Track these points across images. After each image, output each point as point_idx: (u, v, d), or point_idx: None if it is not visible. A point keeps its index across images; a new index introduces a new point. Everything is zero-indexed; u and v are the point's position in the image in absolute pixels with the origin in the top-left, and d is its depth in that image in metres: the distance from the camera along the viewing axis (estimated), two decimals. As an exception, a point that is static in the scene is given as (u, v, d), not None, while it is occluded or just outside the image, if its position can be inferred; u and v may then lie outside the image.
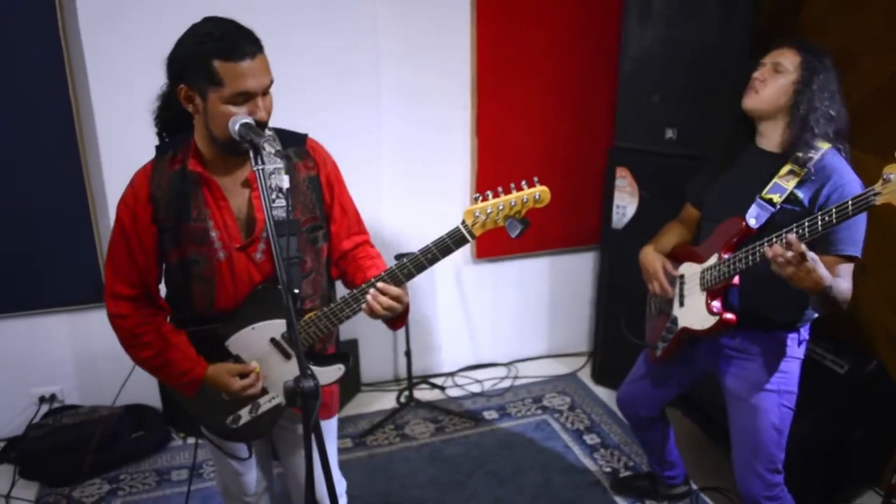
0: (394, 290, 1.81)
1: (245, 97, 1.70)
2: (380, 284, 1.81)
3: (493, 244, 3.85)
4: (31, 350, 3.45)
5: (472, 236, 1.79)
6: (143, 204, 1.83)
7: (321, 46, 3.30)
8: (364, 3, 3.37)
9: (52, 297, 3.37)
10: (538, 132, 3.78)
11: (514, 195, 1.76)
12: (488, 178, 3.76)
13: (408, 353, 3.64)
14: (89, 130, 3.23)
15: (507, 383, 3.98)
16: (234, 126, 1.65)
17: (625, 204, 3.60)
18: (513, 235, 1.77)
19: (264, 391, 1.95)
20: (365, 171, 3.50)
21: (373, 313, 1.83)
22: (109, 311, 1.90)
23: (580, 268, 4.10)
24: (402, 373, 3.86)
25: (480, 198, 1.77)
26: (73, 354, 3.51)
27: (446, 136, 3.70)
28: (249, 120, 1.66)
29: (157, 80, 3.17)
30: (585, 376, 4.04)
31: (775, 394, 2.32)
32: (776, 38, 2.35)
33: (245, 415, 1.97)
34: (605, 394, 3.84)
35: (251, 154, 1.58)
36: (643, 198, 3.54)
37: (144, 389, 3.43)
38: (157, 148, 1.90)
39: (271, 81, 1.74)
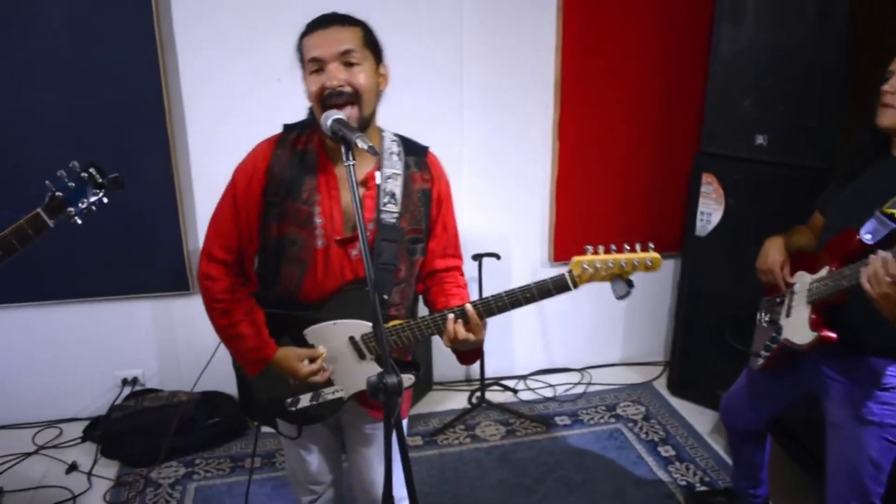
0: (475, 319, 1.80)
1: (316, 65, 1.74)
2: (468, 308, 1.80)
3: (572, 246, 3.77)
4: (117, 334, 3.57)
5: (575, 286, 1.79)
6: (260, 174, 1.86)
7: (406, 48, 3.31)
8: (450, 4, 3.38)
9: (138, 283, 3.49)
10: (621, 135, 3.71)
11: (627, 256, 1.77)
12: (568, 181, 3.71)
13: (481, 354, 3.61)
14: (179, 124, 3.33)
15: (579, 389, 3.92)
16: (327, 122, 1.65)
17: (710, 211, 3.49)
18: (617, 296, 1.77)
19: (329, 382, 1.96)
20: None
21: (448, 337, 1.82)
22: (202, 269, 1.93)
23: (659, 275, 3.92)
24: (474, 373, 3.84)
25: (591, 250, 1.77)
26: (155, 340, 3.62)
27: (527, 137, 3.66)
28: (341, 116, 1.66)
29: (245, 75, 3.29)
30: (661, 386, 3.94)
31: (876, 426, 2.14)
32: (878, 39, 2.20)
33: (305, 400, 1.99)
34: (681, 405, 3.73)
35: (343, 150, 1.58)
36: (729, 206, 3.42)
37: (222, 377, 3.51)
38: (285, 126, 1.92)
39: (348, 51, 1.74)
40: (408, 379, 1.94)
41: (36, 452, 3.41)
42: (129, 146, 3.25)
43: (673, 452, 3.36)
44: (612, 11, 3.51)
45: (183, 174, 3.38)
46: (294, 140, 1.89)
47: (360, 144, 1.54)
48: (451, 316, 1.80)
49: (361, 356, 1.94)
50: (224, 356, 3.33)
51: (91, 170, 1.63)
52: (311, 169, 1.86)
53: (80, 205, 1.62)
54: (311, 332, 1.93)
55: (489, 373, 3.78)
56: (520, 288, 1.82)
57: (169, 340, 3.61)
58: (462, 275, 2.08)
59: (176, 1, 3.17)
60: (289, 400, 1.99)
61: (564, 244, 3.80)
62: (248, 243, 1.91)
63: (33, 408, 3.60)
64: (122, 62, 3.17)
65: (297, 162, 1.86)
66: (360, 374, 1.94)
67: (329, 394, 1.98)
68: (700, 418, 3.61)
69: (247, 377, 2.05)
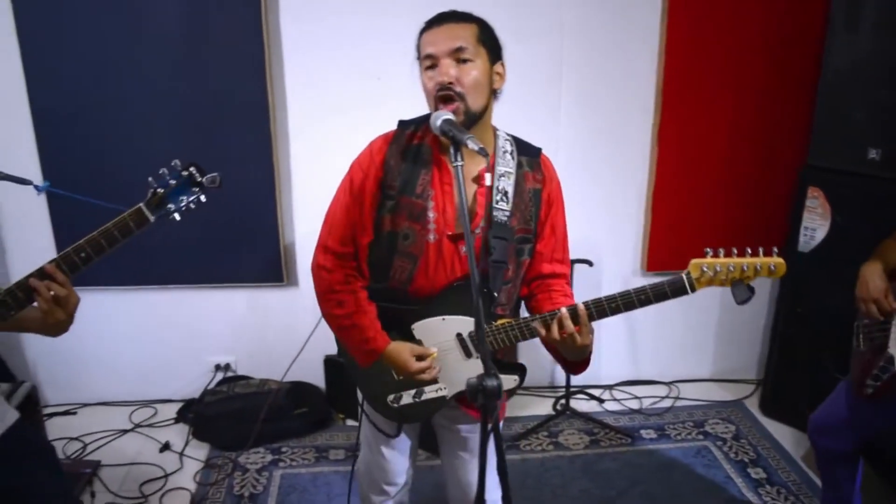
0: (585, 319, 1.74)
1: (430, 61, 1.76)
2: (580, 307, 1.74)
3: (666, 256, 3.71)
4: (213, 320, 3.70)
5: (693, 289, 1.73)
6: (377, 166, 1.88)
7: (505, 52, 3.30)
8: (550, 7, 3.36)
9: (236, 273, 3.60)
10: (724, 142, 3.60)
11: (749, 259, 1.71)
12: (666, 188, 3.62)
13: (567, 361, 3.57)
14: (281, 121, 3.41)
15: (667, 403, 3.82)
16: (436, 122, 1.66)
17: (814, 227, 3.35)
18: (738, 301, 1.72)
19: (433, 380, 1.95)
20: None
21: (551, 335, 1.77)
22: (318, 261, 1.95)
23: (757, 290, 3.84)
24: (559, 380, 3.80)
25: (711, 253, 1.73)
26: (248, 329, 3.72)
27: (624, 142, 3.60)
28: (450, 116, 1.67)
29: (346, 74, 3.35)
30: (753, 405, 3.81)
31: None
32: None
33: (407, 397, 1.99)
34: (773, 427, 3.60)
35: (451, 150, 1.58)
36: (836, 222, 3.27)
37: (310, 369, 3.62)
38: (400, 122, 1.94)
39: (460, 48, 1.74)
40: (511, 381, 1.93)
41: (132, 430, 3.56)
42: (233, 142, 3.35)
43: (764, 475, 3.23)
44: (720, 14, 3.41)
45: (283, 170, 3.47)
46: (410, 135, 1.90)
47: (471, 146, 1.53)
48: (563, 311, 1.74)
49: (468, 354, 1.93)
50: (313, 349, 3.44)
51: (191, 169, 1.69)
52: (425, 164, 1.87)
53: (179, 202, 1.68)
54: (419, 327, 1.93)
55: (575, 381, 3.73)
56: (634, 289, 1.76)
57: (261, 330, 3.71)
58: (569, 284, 2.03)
59: (284, 2, 3.25)
60: (391, 397, 2.00)
61: (659, 254, 3.72)
62: (363, 235, 1.92)
63: (131, 387, 3.77)
64: (229, 60, 3.27)
65: (412, 157, 1.88)
66: (464, 372, 1.92)
67: (432, 392, 1.97)
68: (794, 441, 3.47)
69: (352, 372, 2.07)
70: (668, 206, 3.66)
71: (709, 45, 3.45)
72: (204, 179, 1.71)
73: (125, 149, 3.32)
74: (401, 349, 1.92)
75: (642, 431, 3.56)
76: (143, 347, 3.70)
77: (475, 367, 1.92)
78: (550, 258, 1.99)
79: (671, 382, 3.99)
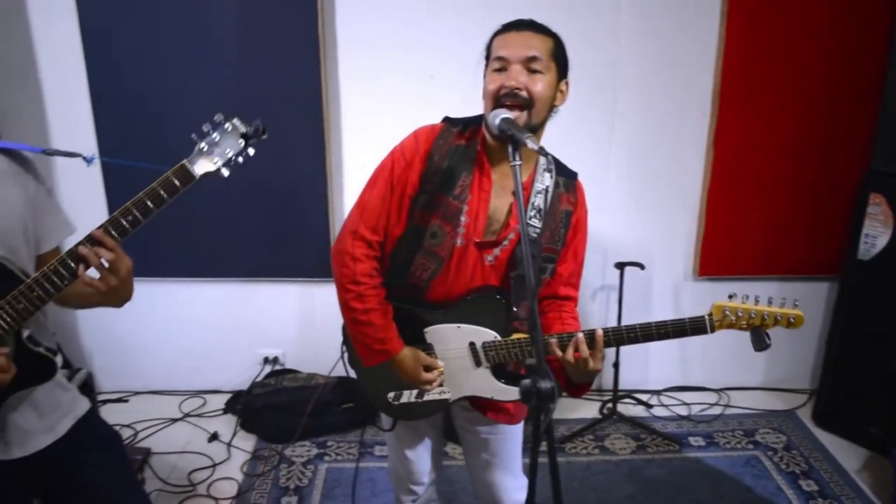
0: (601, 345, 1.76)
1: (501, 63, 1.74)
2: (599, 333, 1.76)
3: (719, 261, 3.64)
4: (263, 314, 3.74)
5: (713, 330, 1.77)
6: (421, 157, 1.84)
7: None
8: (609, 5, 3.32)
9: (286, 268, 3.63)
10: (781, 147, 3.51)
11: (770, 308, 1.75)
12: (721, 192, 3.56)
13: (616, 365, 3.53)
14: (334, 117, 3.43)
15: (716, 411, 3.75)
16: (495, 120, 1.64)
17: (875, 234, 3.25)
18: (756, 348, 1.76)
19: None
20: (591, 177, 3.43)
21: (565, 359, 1.77)
22: (345, 246, 1.87)
23: (812, 298, 3.77)
24: (606, 384, 3.76)
25: (735, 297, 1.76)
26: (297, 323, 3.76)
27: (679, 144, 3.54)
28: (510, 115, 1.65)
29: (400, 72, 3.36)
30: (805, 416, 3.71)
31: None
32: None
33: (408, 396, 1.99)
34: (827, 438, 3.50)
35: (510, 149, 1.56)
36: (899, 229, 3.19)
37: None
38: (447, 119, 1.91)
39: (534, 57, 1.72)
40: (515, 393, 1.90)
41: (182, 419, 3.63)
42: (287, 137, 3.38)
43: (816, 487, 3.15)
44: (780, 17, 3.33)
45: (334, 166, 3.49)
46: (458, 134, 1.87)
47: (530, 145, 1.51)
48: (580, 335, 1.75)
49: (477, 363, 1.92)
50: (361, 344, 3.44)
51: (234, 121, 1.63)
52: (468, 166, 1.84)
53: (225, 156, 1.65)
54: (431, 331, 1.92)
55: (622, 385, 3.68)
56: (655, 323, 1.78)
57: (310, 324, 3.74)
58: (576, 308, 2.03)
59: (340, -3, 3.29)
60: (391, 394, 1.99)
61: (712, 258, 3.65)
62: (396, 225, 1.88)
63: (182, 377, 3.84)
64: (285, 55, 3.30)
65: (456, 156, 1.84)
66: (471, 380, 1.94)
67: (434, 394, 1.97)
68: (848, 454, 3.38)
69: (354, 364, 2.06)
70: (723, 211, 3.59)
71: (768, 47, 3.37)
72: (248, 130, 1.65)
73: (179, 140, 3.36)
74: (411, 357, 1.91)
75: (690, 438, 3.50)
76: (195, 338, 3.77)
77: (482, 375, 1.93)
78: (567, 282, 1.98)
79: (721, 389, 3.91)
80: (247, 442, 3.43)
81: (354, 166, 3.50)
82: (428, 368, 1.91)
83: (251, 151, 1.66)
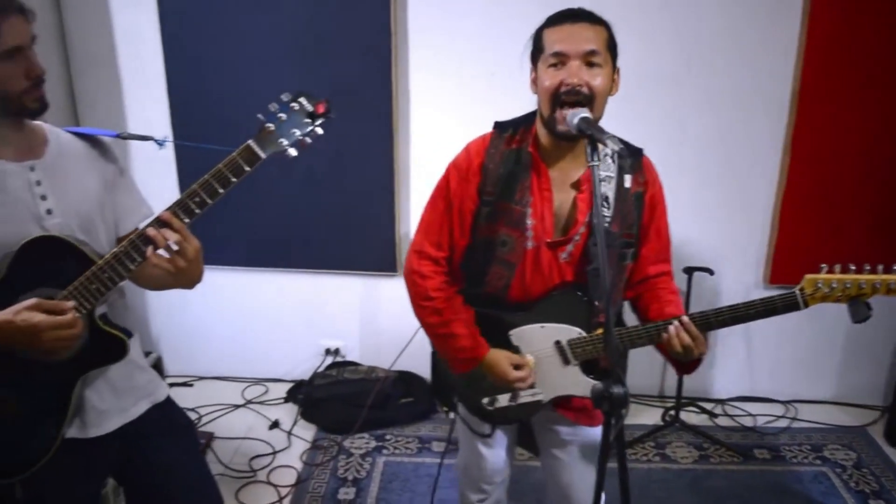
0: (695, 331, 1.73)
1: (558, 59, 1.69)
2: (685, 320, 1.73)
3: (792, 270, 3.50)
4: (327, 305, 3.79)
5: (806, 305, 1.69)
6: (475, 171, 1.85)
7: (633, 50, 3.20)
8: (685, 3, 3.25)
9: (351, 260, 3.66)
10: (863, 152, 3.37)
11: (868, 276, 1.65)
12: (796, 198, 3.44)
13: (679, 372, 3.45)
14: (403, 112, 3.45)
15: (783, 423, 3.64)
16: (573, 120, 1.61)
17: (962, 246, 3.11)
18: (854, 320, 1.65)
19: (530, 385, 1.93)
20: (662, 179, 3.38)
21: (670, 347, 1.75)
22: (412, 266, 1.93)
23: (886, 308, 3.62)
24: (669, 390, 3.69)
25: (826, 268, 1.66)
26: (359, 315, 3.79)
27: (753, 148, 3.43)
28: (588, 114, 1.62)
29: (469, 71, 3.34)
30: (877, 433, 3.58)
31: None
32: None
33: (503, 400, 1.97)
34: (900, 458, 3.38)
35: (588, 149, 1.54)
36: None
37: (417, 359, 3.62)
38: (497, 124, 1.91)
39: (593, 51, 1.68)
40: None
41: (244, 406, 3.69)
42: (357, 132, 3.40)
43: (887, 508, 3.04)
44: (864, 18, 3.19)
45: (402, 161, 3.50)
46: (508, 138, 1.86)
47: (611, 146, 1.49)
48: (672, 330, 1.73)
49: (565, 361, 1.90)
50: (422, 339, 3.45)
51: (301, 99, 1.63)
52: (524, 169, 1.83)
53: (291, 136, 1.65)
54: (516, 334, 1.91)
55: (686, 392, 3.60)
56: (744, 303, 1.73)
57: (372, 317, 3.77)
58: (672, 280, 1.99)
59: (413, -5, 3.29)
60: (486, 399, 1.98)
61: (784, 266, 3.54)
62: (460, 239, 1.90)
63: (245, 364, 3.91)
64: (357, 51, 3.32)
65: (510, 161, 1.83)
66: (561, 379, 1.91)
67: (528, 396, 1.95)
68: (922, 475, 3.25)
69: (446, 372, 2.07)
70: (798, 217, 3.47)
71: (853, 49, 3.23)
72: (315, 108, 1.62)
73: (252, 129, 3.42)
74: (499, 358, 1.90)
75: (755, 451, 3.41)
76: (259, 327, 3.83)
77: (572, 373, 1.91)
78: (656, 259, 1.95)
79: (788, 402, 3.80)
80: (307, 431, 3.47)
81: (422, 161, 3.51)
82: (518, 367, 1.90)
83: (319, 131, 1.65)
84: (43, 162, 1.66)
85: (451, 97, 3.40)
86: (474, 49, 3.32)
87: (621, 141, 1.88)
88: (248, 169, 1.60)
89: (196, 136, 3.43)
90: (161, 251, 1.58)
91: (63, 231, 1.63)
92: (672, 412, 3.56)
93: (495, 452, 2.18)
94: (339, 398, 3.46)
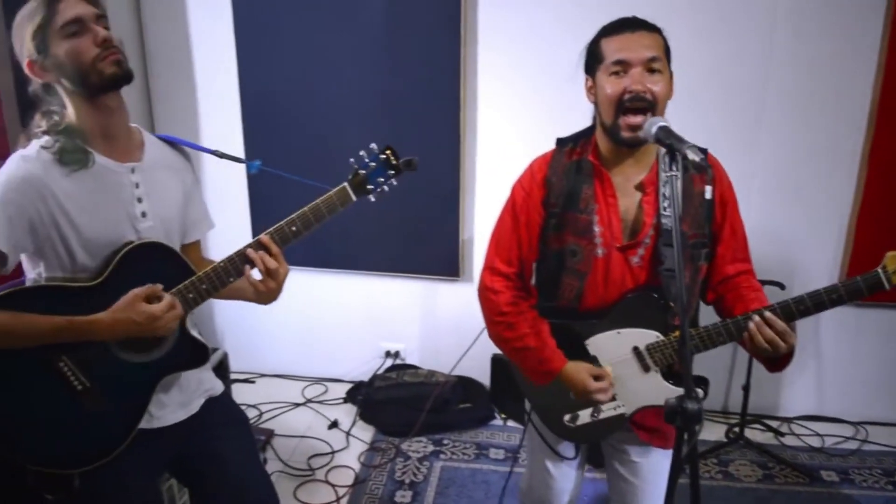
0: (780, 324, 1.67)
1: (620, 67, 1.71)
2: (767, 315, 1.67)
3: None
4: (388, 308, 3.81)
5: (890, 284, 1.62)
6: (539, 185, 1.88)
7: (708, 56, 3.15)
8: (763, 9, 3.17)
9: (414, 264, 3.68)
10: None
11: None
12: (872, 213, 3.32)
13: (745, 388, 3.36)
14: (471, 118, 3.45)
15: (852, 445, 3.52)
16: (651, 129, 1.60)
17: None
18: None
19: (612, 398, 1.90)
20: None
21: (752, 344, 1.70)
22: (485, 283, 1.96)
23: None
24: (733, 406, 3.60)
25: None
26: (420, 319, 3.80)
27: (828, 160, 3.33)
28: (666, 123, 1.60)
29: (538, 76, 3.33)
30: (954, 460, 3.43)
31: None
32: None
33: (585, 416, 1.93)
34: (978, 486, 3.23)
35: (666, 159, 1.52)
36: None
37: (477, 365, 3.64)
38: (558, 140, 1.94)
39: (654, 58, 1.70)
40: None
41: (304, 404, 3.74)
42: (424, 135, 3.43)
43: (964, 539, 2.91)
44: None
45: (468, 166, 3.50)
46: (569, 152, 1.89)
47: (691, 156, 1.46)
48: (752, 327, 1.69)
49: (645, 368, 1.87)
50: (482, 345, 3.44)
51: (388, 152, 1.78)
52: (586, 177, 1.84)
53: (377, 183, 1.77)
54: (593, 343, 1.90)
55: (751, 409, 3.50)
56: (824, 288, 1.67)
57: (433, 322, 3.78)
58: (754, 277, 1.94)
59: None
60: (567, 417, 1.95)
61: (858, 283, 3.42)
62: (530, 254, 1.93)
63: (306, 363, 3.96)
64: (426, 54, 3.34)
65: (572, 172, 1.86)
66: (643, 387, 1.87)
67: (610, 409, 1.91)
68: None
69: (524, 385, 2.05)
70: (874, 234, 3.35)
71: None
72: (400, 163, 1.78)
73: (321, 136, 3.48)
74: (578, 369, 1.88)
75: (822, 472, 3.30)
76: (321, 327, 3.88)
77: (653, 381, 1.87)
78: (733, 259, 1.91)
79: (859, 423, 3.66)
80: (365, 433, 3.49)
81: (488, 166, 3.51)
82: (597, 378, 1.88)
83: (395, 182, 1.80)
84: (141, 165, 1.76)
85: (519, 105, 3.40)
86: (544, 62, 3.31)
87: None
88: (340, 209, 1.76)
89: (268, 144, 3.52)
90: (256, 271, 1.72)
91: (153, 235, 1.73)
92: (736, 429, 3.47)
93: (563, 472, 2.13)
94: (397, 401, 3.48)
